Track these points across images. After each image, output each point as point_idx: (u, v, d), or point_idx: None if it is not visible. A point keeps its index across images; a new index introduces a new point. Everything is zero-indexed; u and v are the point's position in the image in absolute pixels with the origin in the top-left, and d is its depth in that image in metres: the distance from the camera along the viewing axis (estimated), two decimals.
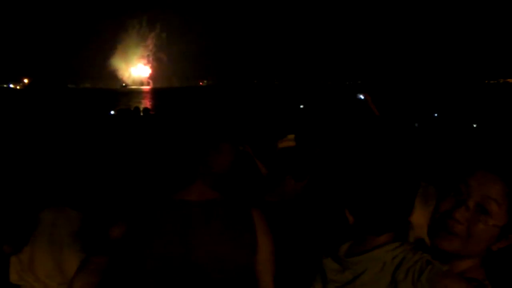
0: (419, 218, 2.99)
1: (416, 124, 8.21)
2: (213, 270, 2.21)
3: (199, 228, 2.21)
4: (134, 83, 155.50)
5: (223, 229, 2.22)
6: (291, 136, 4.56)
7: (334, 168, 4.33)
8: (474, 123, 8.14)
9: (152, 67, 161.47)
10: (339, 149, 4.81)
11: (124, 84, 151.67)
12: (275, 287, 2.29)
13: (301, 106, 11.62)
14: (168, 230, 2.22)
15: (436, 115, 9.04)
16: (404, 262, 1.96)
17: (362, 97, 5.85)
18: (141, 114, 8.93)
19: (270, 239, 2.26)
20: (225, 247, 2.21)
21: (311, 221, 3.47)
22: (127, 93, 78.45)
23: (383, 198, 2.06)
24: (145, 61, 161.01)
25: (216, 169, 2.45)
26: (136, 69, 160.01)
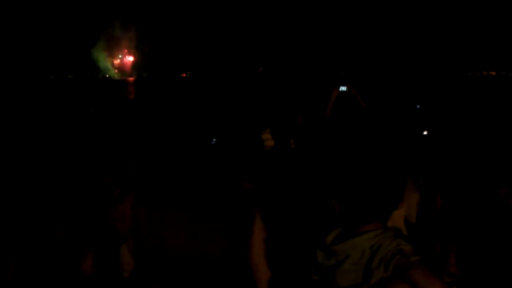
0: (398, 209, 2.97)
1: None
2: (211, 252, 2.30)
3: (206, 214, 2.25)
4: (117, 74, 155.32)
5: (225, 213, 2.28)
6: (268, 135, 4.55)
7: (320, 160, 4.33)
8: (456, 115, 8.20)
9: (134, 59, 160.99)
10: (324, 141, 4.80)
11: (107, 75, 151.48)
12: (268, 269, 2.41)
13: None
14: (175, 219, 2.30)
15: (418, 106, 9.07)
16: (380, 250, 1.99)
17: (344, 89, 5.79)
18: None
19: (263, 225, 2.36)
20: (221, 227, 2.30)
21: (298, 209, 3.49)
22: (113, 83, 78.07)
23: (369, 190, 2.06)
24: (127, 52, 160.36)
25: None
26: (118, 60, 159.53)
